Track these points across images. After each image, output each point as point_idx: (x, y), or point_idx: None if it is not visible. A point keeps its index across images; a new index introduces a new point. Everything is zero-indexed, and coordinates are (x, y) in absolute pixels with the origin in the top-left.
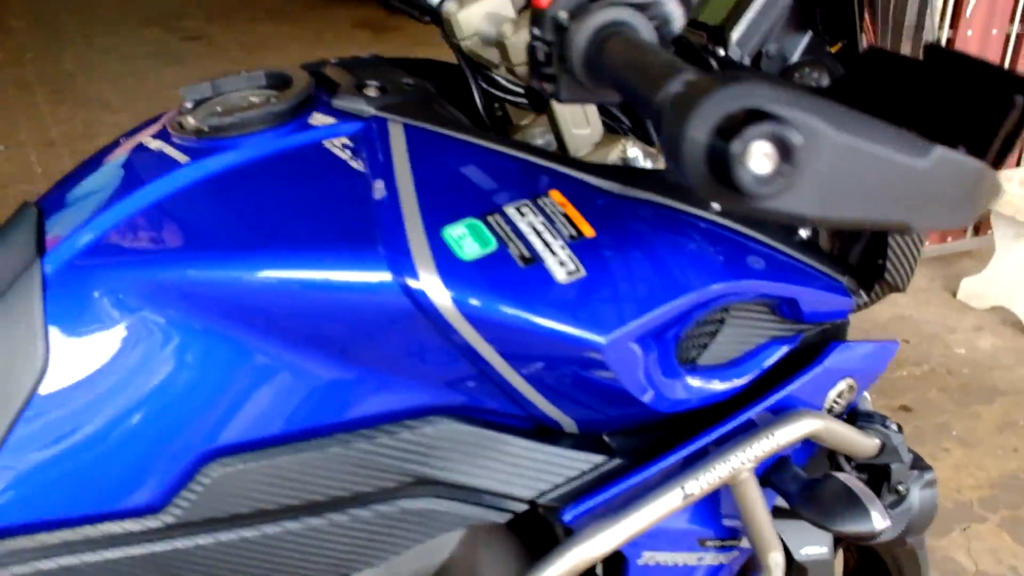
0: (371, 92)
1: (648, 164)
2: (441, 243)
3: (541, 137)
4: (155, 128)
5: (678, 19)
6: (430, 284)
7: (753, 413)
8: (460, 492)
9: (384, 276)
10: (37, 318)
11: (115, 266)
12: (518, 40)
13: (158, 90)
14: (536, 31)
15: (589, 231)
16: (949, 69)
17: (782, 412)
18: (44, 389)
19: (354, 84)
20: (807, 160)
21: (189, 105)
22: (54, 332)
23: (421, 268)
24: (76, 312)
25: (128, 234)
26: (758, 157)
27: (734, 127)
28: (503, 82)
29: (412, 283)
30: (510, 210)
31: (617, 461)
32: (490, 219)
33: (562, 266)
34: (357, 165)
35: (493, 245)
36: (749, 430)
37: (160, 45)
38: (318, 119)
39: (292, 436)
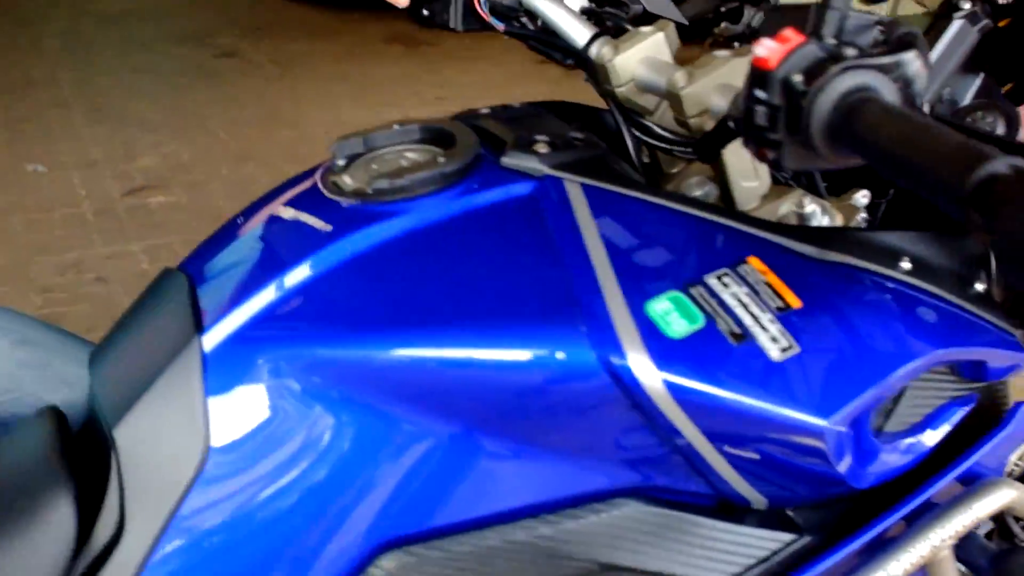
0: (541, 149)
1: (826, 221)
2: (646, 319)
3: (699, 188)
4: (306, 186)
5: (922, 79)
6: (639, 364)
7: (943, 483)
8: None
9: (586, 354)
10: (198, 397)
11: (280, 344)
12: (693, 92)
13: (195, 108)
14: (760, 93)
15: (795, 301)
16: None
17: (972, 481)
18: (207, 473)
19: (522, 140)
20: None
21: (341, 162)
22: (215, 412)
23: (628, 347)
24: (237, 392)
25: (291, 309)
26: None
27: None
28: (657, 129)
29: (618, 362)
30: (712, 280)
31: (807, 539)
32: (693, 291)
33: (775, 342)
34: (538, 230)
35: (701, 321)
36: (945, 503)
37: (194, 62)
38: (488, 179)
39: (472, 523)
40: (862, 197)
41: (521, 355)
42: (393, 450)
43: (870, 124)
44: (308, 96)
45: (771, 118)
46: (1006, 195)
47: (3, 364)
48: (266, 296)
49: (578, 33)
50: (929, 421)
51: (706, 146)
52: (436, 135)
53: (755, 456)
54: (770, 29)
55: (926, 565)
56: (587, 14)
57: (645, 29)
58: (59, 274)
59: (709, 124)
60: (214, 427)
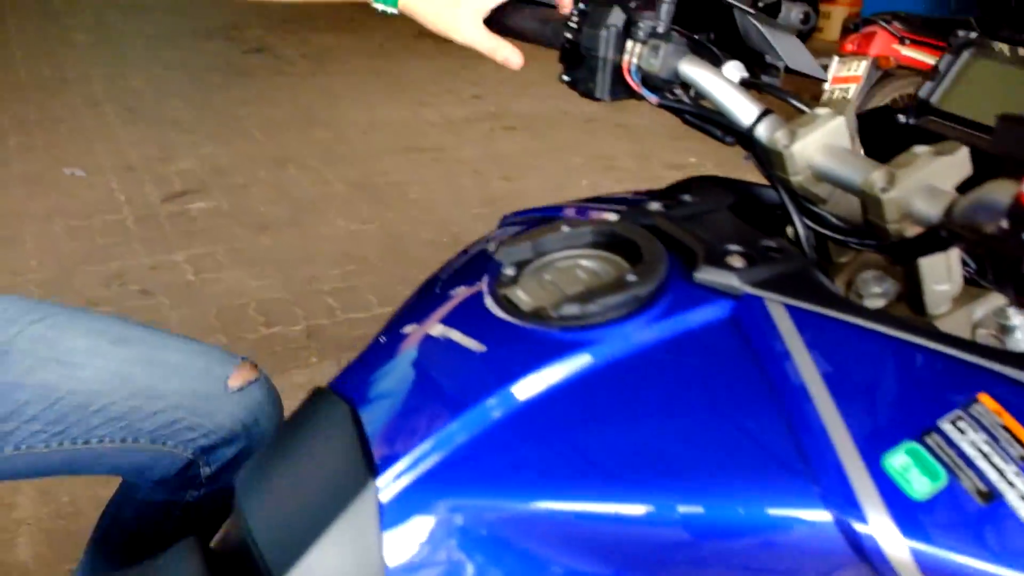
0: (736, 262)
1: None
2: (885, 476)
3: (877, 284)
4: (471, 294)
5: None
6: (881, 529)
7: None
8: None
9: (821, 517)
10: (374, 551)
11: (459, 494)
12: (896, 197)
13: (228, 107)
14: None
15: None
16: None
17: None
18: None
19: (714, 252)
20: None
21: (511, 272)
22: (391, 562)
23: (870, 510)
24: (411, 543)
25: (472, 454)
26: None
27: None
28: (833, 220)
29: (859, 527)
30: (946, 426)
31: None
32: (929, 441)
33: None
34: (744, 362)
35: (943, 478)
36: None
37: (224, 58)
38: (682, 300)
39: None
40: None
41: (738, 513)
42: None
43: None
44: (342, 93)
45: None
46: None
47: (111, 364)
48: (443, 439)
49: (743, 110)
50: None
51: (903, 251)
52: (612, 240)
53: None
54: None
55: None
56: (746, 85)
57: (822, 111)
58: (104, 286)
59: (910, 230)
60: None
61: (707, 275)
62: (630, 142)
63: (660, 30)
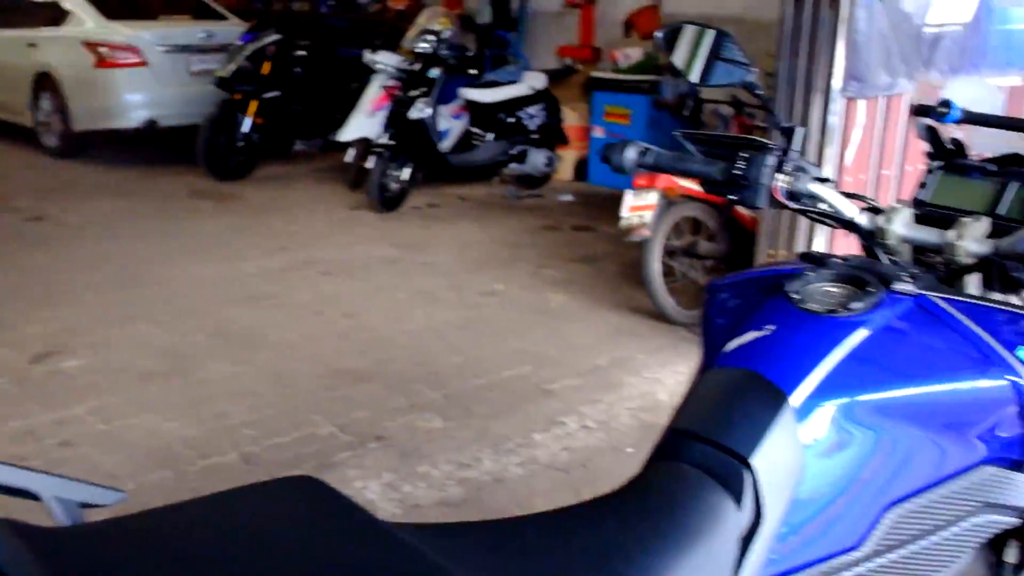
0: (906, 278)
1: None
2: (1020, 360)
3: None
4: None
5: None
6: None
7: None
8: None
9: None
10: (796, 440)
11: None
12: (963, 244)
13: (40, 274)
14: None
15: None
16: None
17: None
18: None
19: (896, 276)
20: None
21: (798, 295)
22: (805, 442)
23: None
24: (819, 431)
25: (847, 373)
26: None
27: None
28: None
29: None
30: None
31: None
32: None
33: None
34: (935, 326)
35: None
36: None
37: (12, 229)
38: (894, 299)
39: (939, 481)
40: None
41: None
42: (897, 446)
43: None
44: (147, 254)
45: None
46: None
47: None
48: (826, 367)
49: (848, 209)
50: None
51: (956, 274)
52: (845, 275)
53: None
54: None
55: None
56: (846, 195)
57: (896, 204)
58: (18, 443)
59: (968, 260)
60: (807, 452)
61: (901, 286)
62: (439, 277)
63: (802, 167)
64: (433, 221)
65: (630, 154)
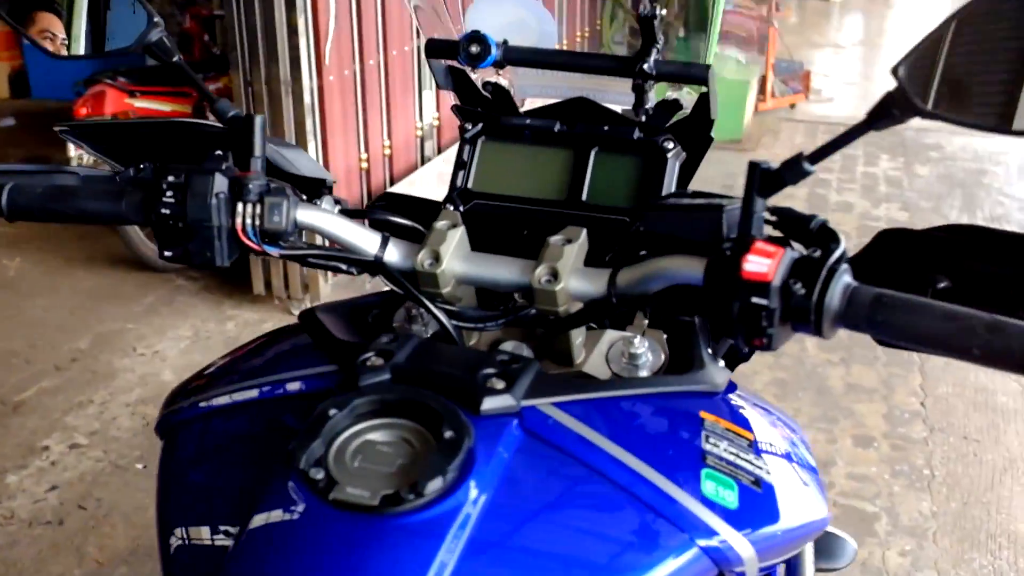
0: (498, 385)
1: (651, 356)
2: (709, 501)
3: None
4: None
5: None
6: (730, 537)
7: None
8: None
9: (686, 545)
10: None
11: None
12: (564, 286)
13: None
14: (760, 301)
15: (748, 434)
16: (968, 241)
17: None
18: None
19: (478, 385)
20: None
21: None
22: None
23: (715, 526)
24: None
25: None
26: None
27: None
28: (469, 312)
29: (714, 542)
30: (707, 446)
31: None
32: (709, 462)
33: (770, 474)
34: (568, 464)
35: (733, 485)
36: None
37: None
38: (489, 435)
39: None
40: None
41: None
42: None
43: (884, 306)
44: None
45: (768, 317)
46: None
47: None
48: None
49: (366, 240)
50: None
51: (564, 325)
52: (394, 406)
53: None
54: None
55: None
56: (347, 213)
57: (439, 225)
58: None
59: (574, 307)
60: None
61: (490, 405)
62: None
63: (279, 187)
64: None
65: None
